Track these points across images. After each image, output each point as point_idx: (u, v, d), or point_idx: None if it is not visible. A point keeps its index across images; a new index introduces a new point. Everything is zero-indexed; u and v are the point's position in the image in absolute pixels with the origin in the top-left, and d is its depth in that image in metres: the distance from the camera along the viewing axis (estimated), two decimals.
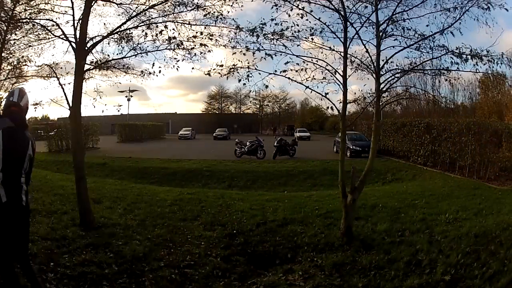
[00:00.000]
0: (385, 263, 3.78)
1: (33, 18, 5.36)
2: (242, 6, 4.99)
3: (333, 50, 4.63)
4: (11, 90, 2.95)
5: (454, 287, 3.24)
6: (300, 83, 4.54)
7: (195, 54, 5.13)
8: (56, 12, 5.11)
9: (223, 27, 5.03)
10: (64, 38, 4.90)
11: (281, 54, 4.52)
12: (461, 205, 6.43)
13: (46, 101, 6.16)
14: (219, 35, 5.05)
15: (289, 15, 4.48)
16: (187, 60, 5.18)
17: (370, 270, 3.65)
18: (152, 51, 5.17)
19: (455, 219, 5.40)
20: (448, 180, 10.11)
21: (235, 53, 4.57)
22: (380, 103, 4.87)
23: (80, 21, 4.71)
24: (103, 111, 5.55)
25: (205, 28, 5.12)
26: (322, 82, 4.59)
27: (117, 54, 5.35)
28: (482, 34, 4.30)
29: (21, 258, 2.40)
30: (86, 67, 4.90)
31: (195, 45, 5.08)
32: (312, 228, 5.02)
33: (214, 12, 5.05)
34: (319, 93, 4.53)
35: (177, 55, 5.16)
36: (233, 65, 4.49)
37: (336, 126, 31.44)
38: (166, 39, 5.07)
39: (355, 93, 5.32)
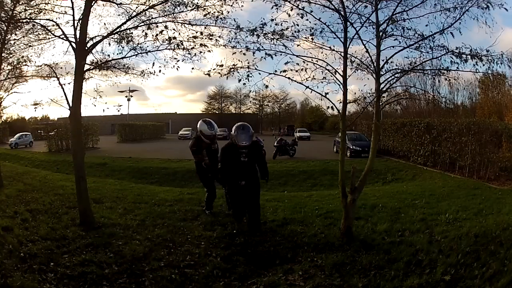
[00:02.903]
0: (385, 263, 3.77)
1: (33, 18, 5.36)
2: (242, 6, 5.00)
3: (333, 50, 4.61)
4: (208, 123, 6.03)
5: (454, 287, 3.24)
6: (300, 83, 4.53)
7: (195, 54, 5.14)
8: (56, 12, 5.11)
9: (223, 27, 5.03)
10: (64, 38, 4.91)
11: (281, 54, 4.50)
12: (461, 205, 6.43)
13: (46, 101, 6.19)
14: (219, 35, 5.05)
15: (289, 15, 4.47)
16: (187, 60, 5.18)
17: (370, 270, 3.64)
18: (152, 51, 5.17)
19: (455, 219, 5.39)
20: (448, 180, 10.11)
21: (235, 53, 4.56)
22: (380, 103, 4.86)
23: (80, 21, 4.71)
24: (103, 111, 5.58)
25: (205, 28, 5.12)
26: (322, 82, 4.57)
27: (117, 54, 5.36)
28: (481, 33, 4.30)
29: None
30: (86, 67, 4.91)
31: (195, 45, 5.09)
32: (312, 228, 5.02)
33: (214, 12, 5.05)
34: (319, 93, 4.52)
35: (177, 55, 5.16)
36: (233, 65, 4.48)
37: (336, 126, 31.40)
38: (166, 39, 5.07)
39: (355, 93, 5.31)
